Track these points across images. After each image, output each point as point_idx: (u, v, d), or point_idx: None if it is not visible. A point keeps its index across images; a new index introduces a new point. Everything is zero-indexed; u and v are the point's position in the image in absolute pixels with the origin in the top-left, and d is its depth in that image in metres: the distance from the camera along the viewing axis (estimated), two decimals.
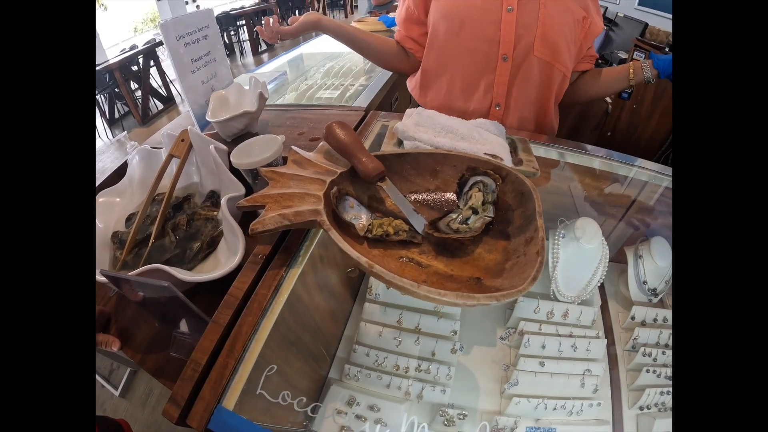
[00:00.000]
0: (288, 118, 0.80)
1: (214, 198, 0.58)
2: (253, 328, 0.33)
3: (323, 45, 1.99)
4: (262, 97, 0.69)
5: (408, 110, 0.64)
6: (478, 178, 0.43)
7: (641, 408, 0.57)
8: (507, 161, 0.51)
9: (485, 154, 0.49)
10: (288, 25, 0.79)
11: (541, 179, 0.76)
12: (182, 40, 0.74)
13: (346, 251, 0.33)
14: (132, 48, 5.33)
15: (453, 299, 0.30)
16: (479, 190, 0.42)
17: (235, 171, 0.54)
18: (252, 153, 0.51)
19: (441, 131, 0.58)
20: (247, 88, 0.78)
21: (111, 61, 4.19)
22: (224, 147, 0.56)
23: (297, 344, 0.43)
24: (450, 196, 0.48)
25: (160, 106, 4.71)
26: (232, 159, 0.51)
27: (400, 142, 0.60)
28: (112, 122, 4.34)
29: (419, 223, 0.41)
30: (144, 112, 4.36)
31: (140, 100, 4.35)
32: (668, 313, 0.66)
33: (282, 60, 1.74)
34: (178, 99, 4.85)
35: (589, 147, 0.73)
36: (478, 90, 0.78)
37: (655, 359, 0.62)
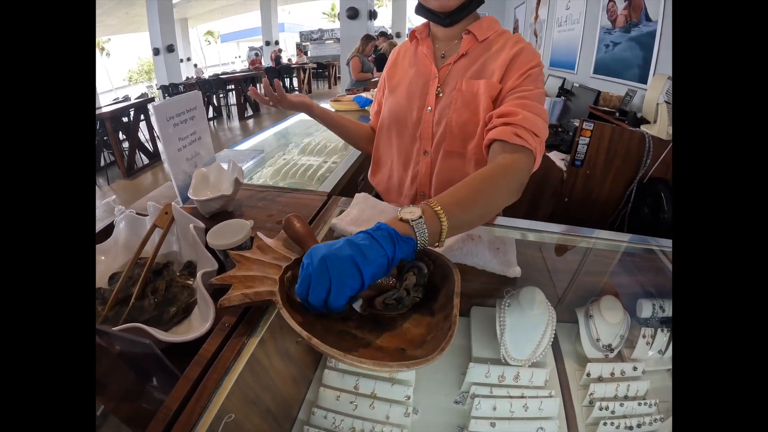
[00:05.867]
0: (260, 199, 0.98)
1: (190, 268, 0.71)
2: (216, 383, 0.45)
3: (303, 120, 2.33)
4: (237, 182, 0.86)
5: (357, 195, 0.81)
6: (414, 262, 0.57)
7: None
8: None
9: None
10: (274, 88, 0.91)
11: None
12: (171, 121, 0.91)
13: (290, 325, 0.46)
14: (125, 99, 5.75)
15: (371, 366, 0.41)
16: (414, 274, 0.56)
17: (209, 247, 0.68)
18: (225, 235, 0.67)
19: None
20: (225, 167, 0.96)
21: (103, 110, 4.60)
22: (202, 225, 0.70)
23: (257, 403, 0.54)
24: (388, 277, 0.60)
25: (146, 160, 5.10)
26: (208, 240, 0.66)
27: None
28: (97, 170, 4.64)
29: (357, 303, 0.53)
30: (129, 165, 4.72)
31: (127, 152, 4.72)
32: (626, 366, 0.76)
33: (266, 134, 2.03)
34: (163, 156, 5.14)
35: (535, 223, 0.87)
36: (407, 180, 0.98)
37: (612, 411, 0.71)
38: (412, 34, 0.95)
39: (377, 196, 1.11)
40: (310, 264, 0.45)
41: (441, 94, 0.88)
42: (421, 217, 0.51)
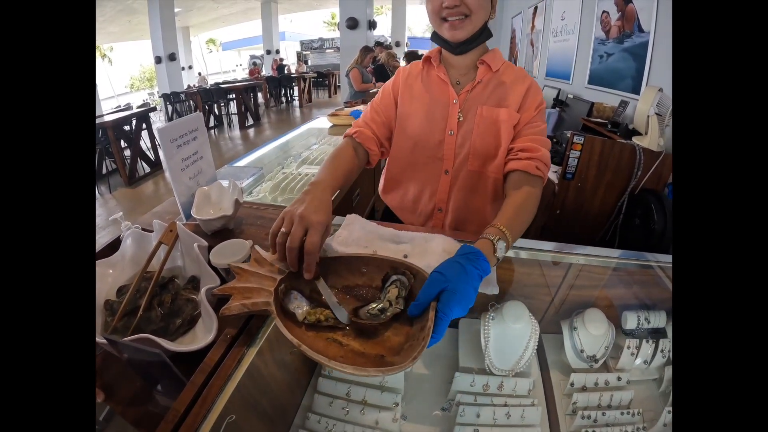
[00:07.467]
0: (259, 216, 1.04)
1: (194, 282, 0.77)
2: (219, 389, 0.50)
3: (302, 134, 2.44)
4: (237, 203, 0.92)
5: (348, 216, 0.87)
6: (397, 276, 0.64)
7: None
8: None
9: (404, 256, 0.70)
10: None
11: None
12: (175, 143, 0.98)
13: (283, 333, 0.52)
14: (127, 107, 5.82)
15: (351, 371, 0.47)
16: (396, 287, 0.62)
17: (212, 264, 0.75)
18: (226, 254, 0.74)
19: (368, 247, 0.79)
20: (225, 185, 1.02)
21: (105, 119, 4.66)
22: (205, 243, 0.77)
23: (256, 407, 0.60)
24: (373, 289, 0.67)
25: (147, 169, 5.17)
26: (211, 258, 0.73)
27: None
28: (98, 177, 4.71)
29: (342, 315, 0.60)
30: (131, 173, 4.78)
31: (129, 161, 4.79)
32: (610, 376, 0.81)
33: (266, 148, 2.11)
34: (167, 174, 5.23)
35: (527, 241, 0.92)
36: (424, 196, 1.06)
37: (594, 420, 0.76)
38: (426, 58, 1.02)
39: (386, 210, 1.19)
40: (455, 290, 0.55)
41: (461, 119, 0.97)
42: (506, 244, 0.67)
